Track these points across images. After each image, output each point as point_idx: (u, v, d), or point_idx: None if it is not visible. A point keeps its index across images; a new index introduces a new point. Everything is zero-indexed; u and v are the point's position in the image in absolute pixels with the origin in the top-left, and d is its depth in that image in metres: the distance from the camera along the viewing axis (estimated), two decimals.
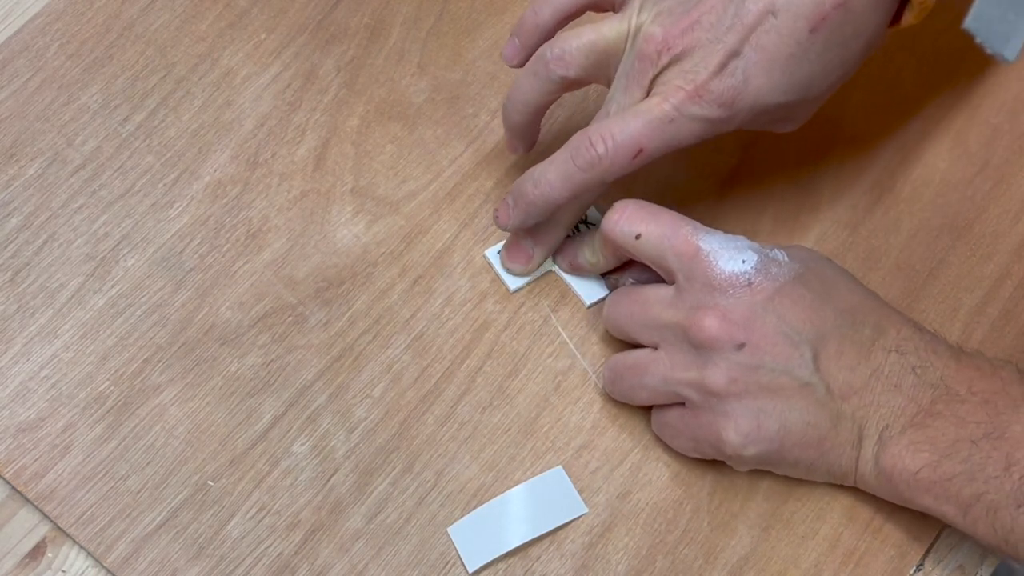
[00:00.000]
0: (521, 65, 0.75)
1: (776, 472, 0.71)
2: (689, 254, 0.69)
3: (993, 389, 0.67)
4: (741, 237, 0.70)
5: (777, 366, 0.68)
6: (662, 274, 0.71)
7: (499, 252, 0.77)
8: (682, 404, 0.70)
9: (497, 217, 0.75)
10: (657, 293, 0.71)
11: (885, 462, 0.68)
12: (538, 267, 0.76)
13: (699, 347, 0.68)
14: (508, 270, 0.76)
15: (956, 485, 0.66)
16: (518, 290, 0.76)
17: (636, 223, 0.71)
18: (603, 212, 0.73)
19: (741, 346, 0.67)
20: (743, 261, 0.69)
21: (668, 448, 0.73)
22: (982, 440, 0.66)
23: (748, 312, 0.68)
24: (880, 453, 0.68)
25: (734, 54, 0.70)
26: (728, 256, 0.69)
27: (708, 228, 0.70)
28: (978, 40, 0.59)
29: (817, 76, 0.71)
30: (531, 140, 0.77)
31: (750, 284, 0.68)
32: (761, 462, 0.70)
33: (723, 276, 0.68)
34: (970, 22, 0.59)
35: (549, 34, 0.75)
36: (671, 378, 0.69)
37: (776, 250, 0.70)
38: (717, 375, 0.68)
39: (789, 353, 0.68)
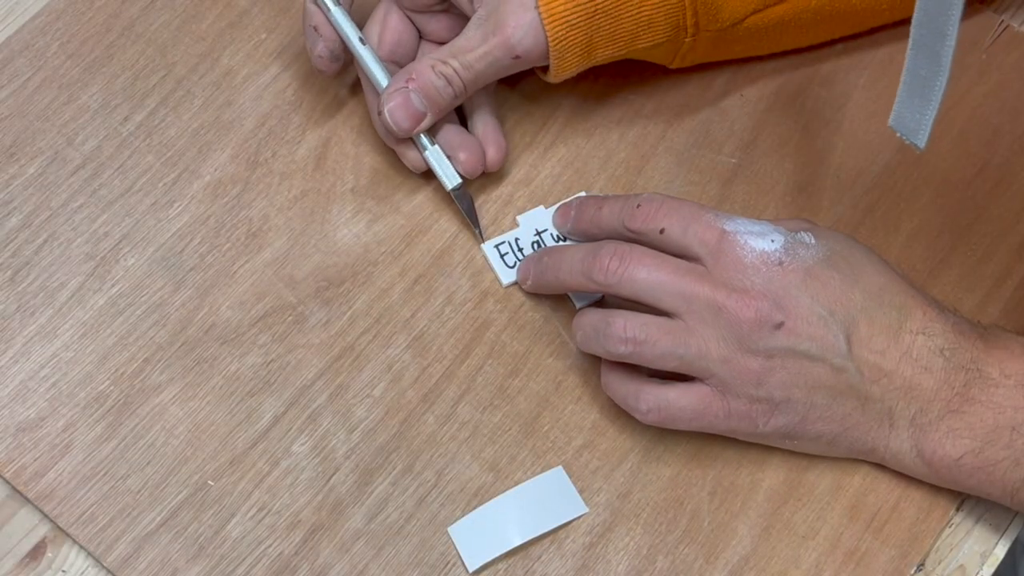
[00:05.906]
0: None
1: (795, 447, 0.71)
2: (715, 237, 0.68)
3: None
4: (765, 220, 0.70)
5: (813, 349, 0.67)
6: (690, 261, 0.69)
7: (496, 247, 0.77)
8: (693, 379, 0.69)
9: None
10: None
11: (925, 448, 0.68)
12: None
13: (734, 326, 0.67)
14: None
15: (1001, 470, 0.67)
16: (511, 284, 0.76)
17: (659, 219, 0.70)
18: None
19: (780, 325, 0.67)
20: (772, 241, 0.68)
21: (668, 448, 0.73)
22: (1022, 426, 0.67)
23: (782, 292, 0.67)
24: (919, 439, 0.68)
25: None
26: (756, 237, 0.68)
27: (729, 214, 0.70)
28: (899, 134, 0.68)
29: None
30: None
31: (781, 264, 0.68)
32: (782, 436, 0.70)
33: (753, 255, 0.68)
34: (892, 122, 0.68)
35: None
36: (700, 355, 0.68)
37: (802, 232, 0.70)
38: (751, 354, 0.67)
39: (823, 334, 0.67)
